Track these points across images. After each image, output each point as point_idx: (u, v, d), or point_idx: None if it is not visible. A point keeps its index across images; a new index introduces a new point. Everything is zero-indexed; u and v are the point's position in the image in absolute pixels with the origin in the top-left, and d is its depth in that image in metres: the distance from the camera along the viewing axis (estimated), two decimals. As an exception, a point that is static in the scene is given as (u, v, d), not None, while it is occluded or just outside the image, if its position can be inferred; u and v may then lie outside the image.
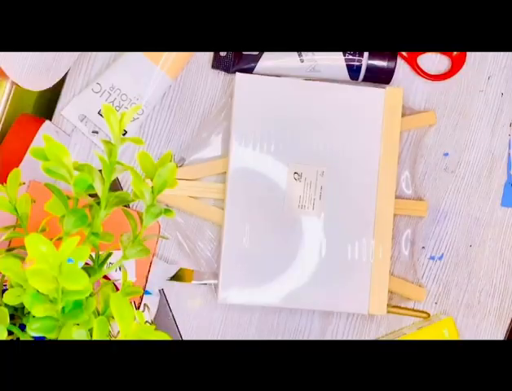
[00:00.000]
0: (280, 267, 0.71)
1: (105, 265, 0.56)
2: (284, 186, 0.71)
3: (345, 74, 0.73)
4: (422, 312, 0.75)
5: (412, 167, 0.76)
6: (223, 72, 0.74)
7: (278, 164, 0.71)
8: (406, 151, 0.76)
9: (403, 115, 0.74)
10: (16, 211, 0.55)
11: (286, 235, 0.71)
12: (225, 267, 0.70)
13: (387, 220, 0.72)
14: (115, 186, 0.72)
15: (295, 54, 0.73)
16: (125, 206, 0.70)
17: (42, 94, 0.69)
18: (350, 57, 0.73)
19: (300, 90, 0.72)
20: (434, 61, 0.77)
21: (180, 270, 0.73)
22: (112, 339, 0.50)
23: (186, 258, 0.73)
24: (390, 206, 0.73)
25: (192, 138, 0.73)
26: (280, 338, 0.74)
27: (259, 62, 0.73)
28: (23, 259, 0.49)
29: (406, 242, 0.75)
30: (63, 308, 0.49)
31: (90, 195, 0.52)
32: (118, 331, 0.48)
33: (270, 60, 0.73)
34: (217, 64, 0.73)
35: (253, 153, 0.71)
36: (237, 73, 0.72)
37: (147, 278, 0.68)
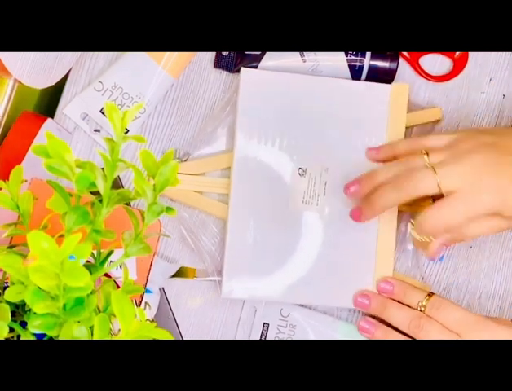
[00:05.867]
0: (284, 262, 0.71)
1: (106, 263, 0.56)
2: (289, 182, 0.71)
3: (347, 74, 0.73)
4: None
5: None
6: (225, 72, 0.74)
7: (282, 160, 0.71)
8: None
9: (409, 111, 0.74)
10: (18, 208, 0.55)
11: (290, 231, 0.71)
12: (229, 262, 0.70)
13: (391, 216, 0.72)
14: (116, 184, 0.72)
15: (297, 54, 0.73)
16: (127, 204, 0.70)
17: (45, 91, 0.69)
18: (353, 57, 0.73)
19: (305, 86, 0.72)
20: (435, 62, 0.77)
21: (182, 268, 0.73)
22: (113, 336, 0.50)
23: (189, 253, 0.73)
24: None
25: (197, 132, 0.73)
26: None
27: (261, 62, 0.73)
28: (24, 256, 0.49)
29: (410, 238, 0.75)
30: (64, 305, 0.49)
31: (92, 193, 0.52)
32: (119, 329, 0.48)
33: (272, 60, 0.73)
34: (219, 64, 0.74)
35: (257, 148, 0.71)
36: (242, 68, 0.72)
37: (147, 276, 0.68)
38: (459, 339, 0.66)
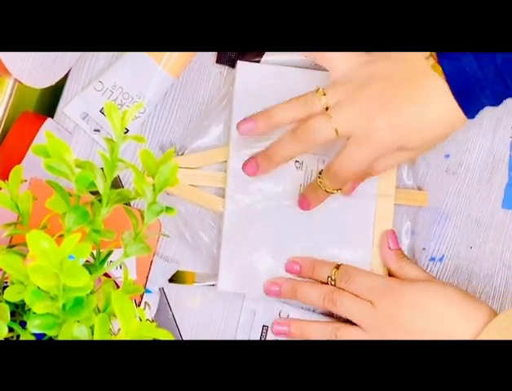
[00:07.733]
0: (281, 256, 0.71)
1: (106, 263, 0.56)
2: (286, 175, 0.71)
3: (347, 74, 0.73)
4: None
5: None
6: (226, 71, 0.74)
7: None
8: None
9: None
10: (18, 208, 0.55)
11: (287, 224, 0.71)
12: (225, 256, 0.71)
13: (388, 210, 0.72)
14: (116, 184, 0.72)
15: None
16: (127, 204, 0.70)
17: (45, 91, 0.69)
18: (353, 57, 0.73)
19: (301, 79, 0.72)
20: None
21: (181, 272, 0.73)
22: (113, 336, 0.50)
23: (189, 253, 0.73)
24: (390, 196, 0.73)
25: (194, 126, 0.73)
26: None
27: (263, 57, 0.72)
28: (24, 256, 0.49)
29: (407, 232, 0.75)
30: (63, 305, 0.49)
31: (92, 193, 0.53)
32: (119, 329, 0.48)
33: (274, 55, 0.73)
34: (221, 59, 0.73)
35: (253, 142, 0.71)
36: (238, 61, 0.72)
37: (147, 276, 0.68)
38: (372, 307, 0.66)
